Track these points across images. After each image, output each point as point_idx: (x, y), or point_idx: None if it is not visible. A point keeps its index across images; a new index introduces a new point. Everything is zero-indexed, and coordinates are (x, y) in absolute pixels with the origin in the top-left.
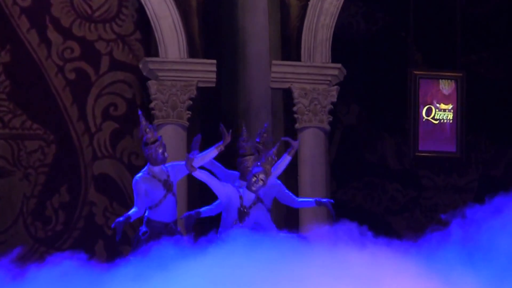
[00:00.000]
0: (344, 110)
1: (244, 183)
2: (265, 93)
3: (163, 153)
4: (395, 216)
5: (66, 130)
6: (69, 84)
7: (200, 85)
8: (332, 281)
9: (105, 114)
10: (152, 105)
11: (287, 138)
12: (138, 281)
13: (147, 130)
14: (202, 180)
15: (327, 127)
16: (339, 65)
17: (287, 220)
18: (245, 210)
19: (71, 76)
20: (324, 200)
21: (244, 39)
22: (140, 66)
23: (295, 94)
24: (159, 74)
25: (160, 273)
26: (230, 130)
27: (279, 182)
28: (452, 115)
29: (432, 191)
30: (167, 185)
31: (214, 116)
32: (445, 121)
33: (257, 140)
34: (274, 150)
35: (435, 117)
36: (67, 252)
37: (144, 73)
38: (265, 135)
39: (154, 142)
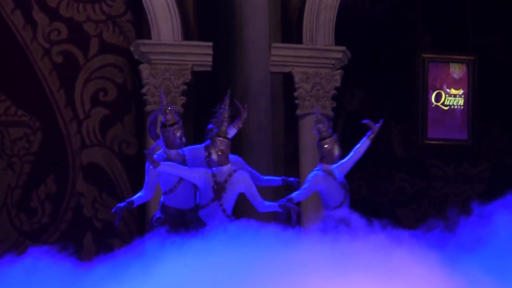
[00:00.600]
0: (348, 95)
1: (327, 166)
2: (264, 78)
3: (180, 137)
4: (402, 208)
5: (52, 117)
6: (56, 68)
7: (195, 69)
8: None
9: (94, 100)
10: (144, 90)
11: (367, 121)
12: (112, 279)
13: (167, 111)
14: (170, 172)
15: (330, 113)
16: (343, 48)
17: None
18: (220, 186)
19: (58, 59)
20: (290, 179)
21: (242, 20)
22: (132, 49)
23: (296, 78)
24: (152, 57)
25: (139, 270)
26: (246, 105)
27: (240, 159)
28: (463, 101)
29: (441, 181)
30: None
31: (210, 102)
32: (456, 107)
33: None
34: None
35: (445, 103)
36: (45, 247)
37: (136, 57)
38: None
39: (173, 125)
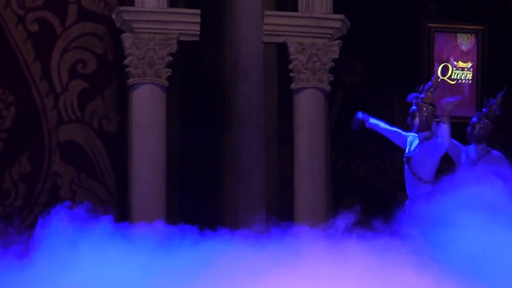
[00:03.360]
0: (347, 68)
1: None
2: (256, 49)
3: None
4: (404, 191)
5: (27, 90)
6: (31, 37)
7: (182, 38)
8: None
9: (72, 72)
10: (126, 61)
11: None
12: None
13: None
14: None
15: (328, 87)
16: (341, 16)
17: (282, 211)
18: None
19: (33, 27)
20: None
21: None
22: (113, 16)
23: (291, 49)
24: (135, 26)
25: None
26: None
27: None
28: (471, 75)
29: (447, 162)
30: None
31: (197, 74)
32: (464, 81)
33: None
34: None
35: (452, 77)
36: None
37: (118, 25)
38: None
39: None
